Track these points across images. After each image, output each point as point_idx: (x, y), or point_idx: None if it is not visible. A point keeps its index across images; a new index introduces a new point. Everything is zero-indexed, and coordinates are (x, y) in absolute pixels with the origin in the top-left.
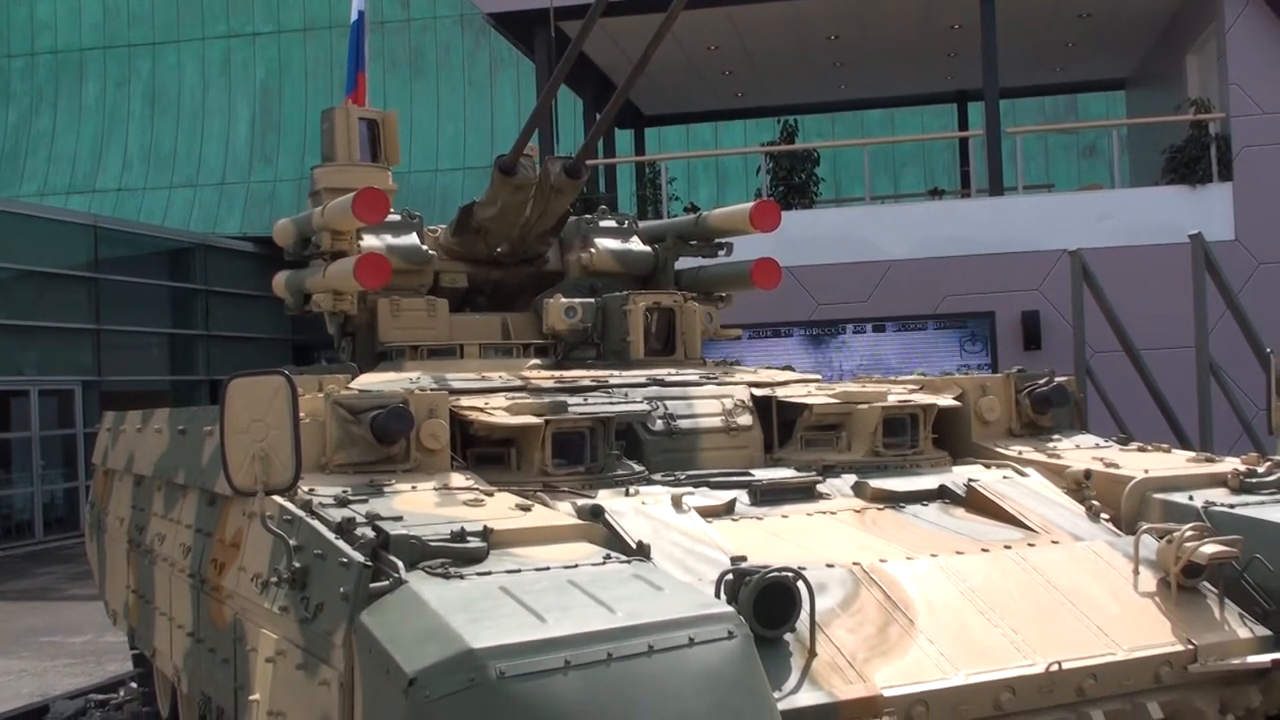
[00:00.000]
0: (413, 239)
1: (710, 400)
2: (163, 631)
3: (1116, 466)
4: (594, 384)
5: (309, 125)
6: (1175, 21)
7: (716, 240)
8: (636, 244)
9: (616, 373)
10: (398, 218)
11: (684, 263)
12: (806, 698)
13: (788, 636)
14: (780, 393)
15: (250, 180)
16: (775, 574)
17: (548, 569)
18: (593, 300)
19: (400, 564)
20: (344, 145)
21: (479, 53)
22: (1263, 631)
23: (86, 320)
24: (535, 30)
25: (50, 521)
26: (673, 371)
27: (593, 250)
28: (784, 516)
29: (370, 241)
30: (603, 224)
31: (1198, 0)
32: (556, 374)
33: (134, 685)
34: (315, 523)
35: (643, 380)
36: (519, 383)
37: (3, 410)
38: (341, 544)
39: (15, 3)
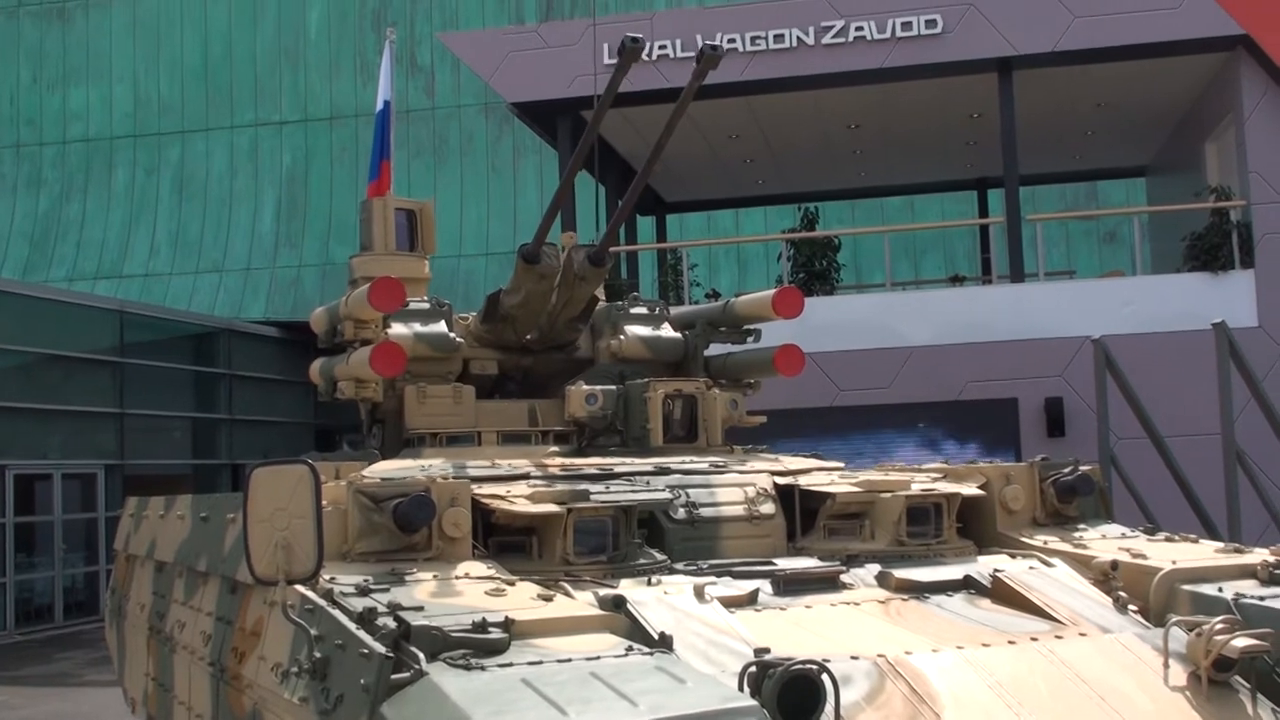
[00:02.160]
0: (441, 327)
1: (733, 489)
2: None
3: (1144, 557)
4: (599, 472)
5: (334, 212)
6: (1193, 110)
7: (745, 327)
8: (667, 331)
9: (625, 460)
10: (427, 305)
11: (715, 349)
12: None
13: None
14: (803, 481)
15: (275, 266)
16: (799, 666)
17: (570, 660)
18: (614, 387)
19: (422, 655)
20: (381, 235)
21: (502, 141)
22: None
23: (110, 404)
24: (557, 119)
25: (70, 606)
26: (686, 460)
27: (622, 337)
28: (807, 607)
29: (398, 329)
30: (633, 311)
31: (1215, 90)
32: (563, 461)
33: None
34: (336, 612)
35: (649, 468)
36: (527, 470)
37: (26, 493)
38: (363, 634)
39: (49, 93)
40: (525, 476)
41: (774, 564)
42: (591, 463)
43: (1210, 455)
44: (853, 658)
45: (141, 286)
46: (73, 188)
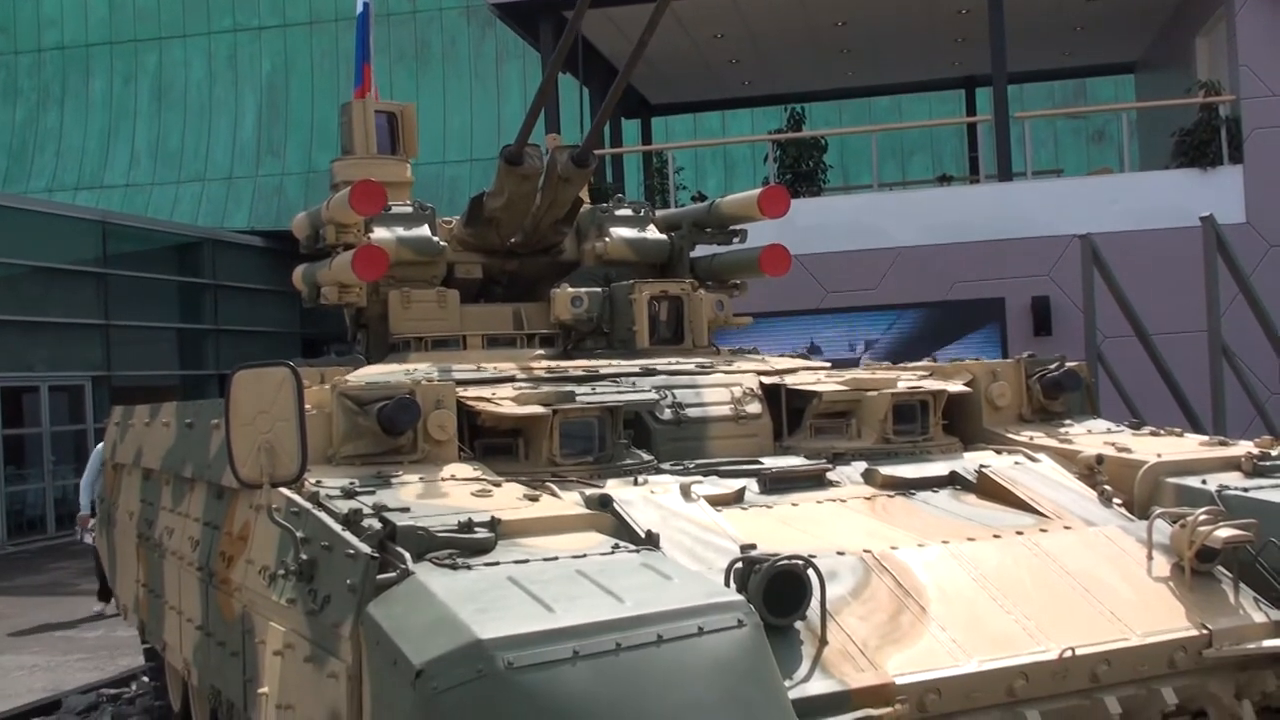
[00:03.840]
0: (424, 231)
1: (719, 389)
2: (172, 625)
3: (1129, 451)
4: (585, 374)
5: (316, 119)
6: (1184, 4)
7: (731, 227)
8: (652, 232)
9: (611, 362)
10: (409, 209)
11: (701, 250)
12: (818, 686)
13: (798, 625)
14: (789, 381)
15: (257, 174)
16: (785, 562)
17: (556, 559)
18: (599, 290)
19: (407, 555)
20: (362, 138)
21: (485, 44)
22: (1278, 615)
23: (96, 316)
24: (540, 20)
25: (62, 517)
26: (672, 361)
27: (607, 239)
28: (794, 505)
29: (381, 234)
30: (618, 213)
31: None
32: (549, 364)
33: (146, 679)
34: (322, 515)
35: (635, 370)
36: (511, 373)
37: (14, 406)
38: (348, 536)
39: None
40: (511, 379)
41: (761, 463)
42: (577, 365)
43: (1197, 351)
44: (839, 553)
45: (123, 197)
46: (49, 97)
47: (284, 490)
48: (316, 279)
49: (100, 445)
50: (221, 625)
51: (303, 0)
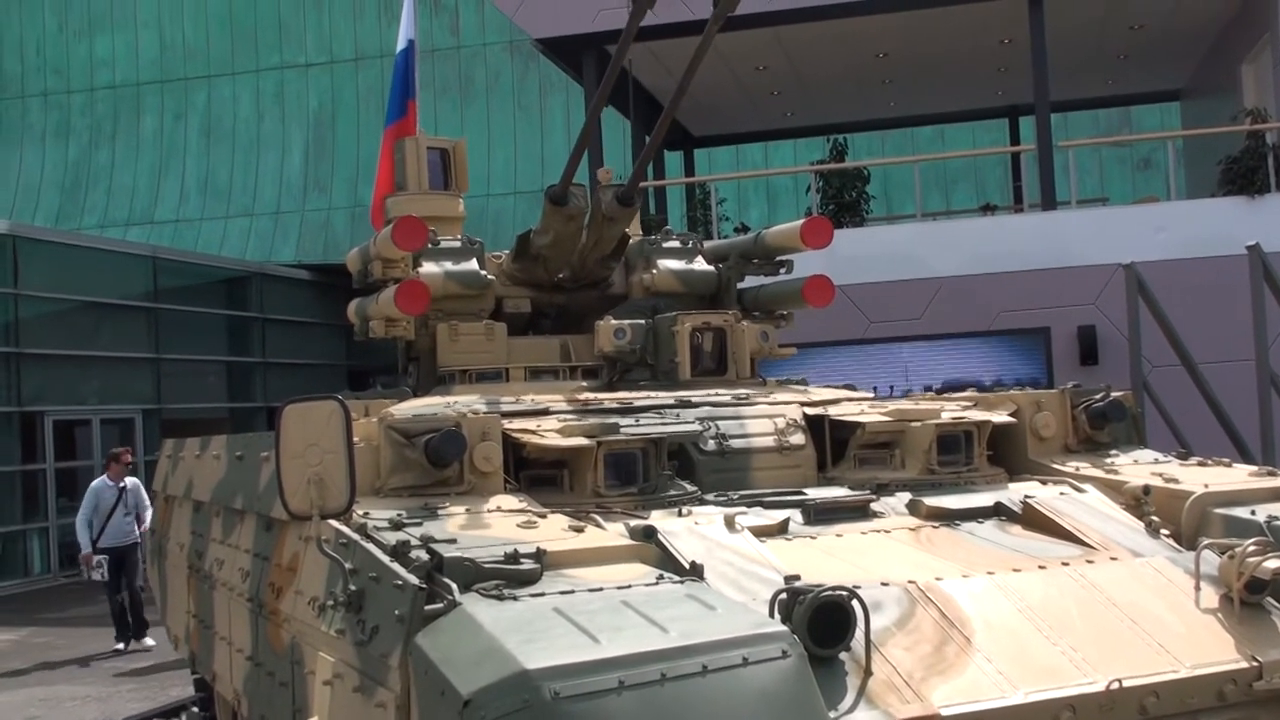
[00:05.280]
0: (472, 265)
1: (762, 420)
2: (222, 656)
3: (1176, 481)
4: (629, 405)
5: (362, 154)
6: (1229, 31)
7: (778, 258)
8: (700, 264)
9: (655, 394)
10: (458, 244)
11: (748, 281)
12: (863, 717)
13: (843, 656)
14: (833, 411)
15: (304, 209)
16: (829, 593)
17: (601, 590)
18: (643, 321)
19: (455, 586)
20: (414, 174)
21: (528, 78)
22: None
23: (146, 349)
24: (583, 55)
25: None
26: (715, 392)
27: (655, 271)
28: (838, 535)
29: (429, 268)
30: (665, 245)
31: (1251, 10)
32: (593, 396)
33: (196, 710)
34: (370, 546)
35: (679, 401)
36: (556, 405)
37: (66, 439)
38: (396, 567)
39: (75, 41)
40: (556, 411)
41: (804, 494)
42: (621, 396)
43: (1245, 380)
44: (883, 584)
45: (173, 232)
46: (101, 135)
47: (333, 522)
48: (366, 313)
49: (95, 482)
50: (271, 656)
51: (349, 37)
